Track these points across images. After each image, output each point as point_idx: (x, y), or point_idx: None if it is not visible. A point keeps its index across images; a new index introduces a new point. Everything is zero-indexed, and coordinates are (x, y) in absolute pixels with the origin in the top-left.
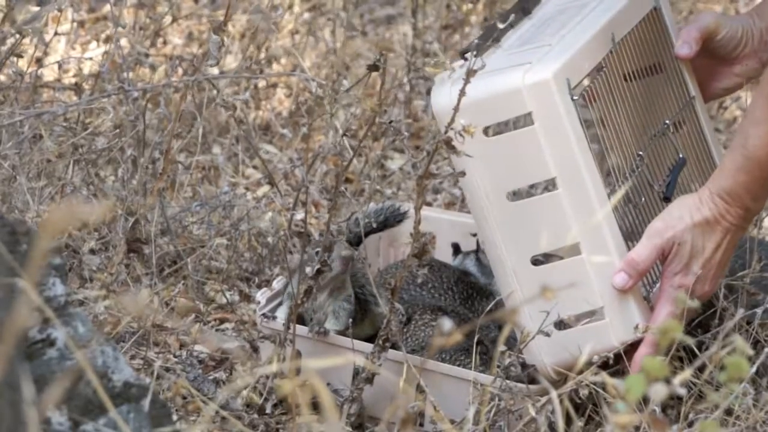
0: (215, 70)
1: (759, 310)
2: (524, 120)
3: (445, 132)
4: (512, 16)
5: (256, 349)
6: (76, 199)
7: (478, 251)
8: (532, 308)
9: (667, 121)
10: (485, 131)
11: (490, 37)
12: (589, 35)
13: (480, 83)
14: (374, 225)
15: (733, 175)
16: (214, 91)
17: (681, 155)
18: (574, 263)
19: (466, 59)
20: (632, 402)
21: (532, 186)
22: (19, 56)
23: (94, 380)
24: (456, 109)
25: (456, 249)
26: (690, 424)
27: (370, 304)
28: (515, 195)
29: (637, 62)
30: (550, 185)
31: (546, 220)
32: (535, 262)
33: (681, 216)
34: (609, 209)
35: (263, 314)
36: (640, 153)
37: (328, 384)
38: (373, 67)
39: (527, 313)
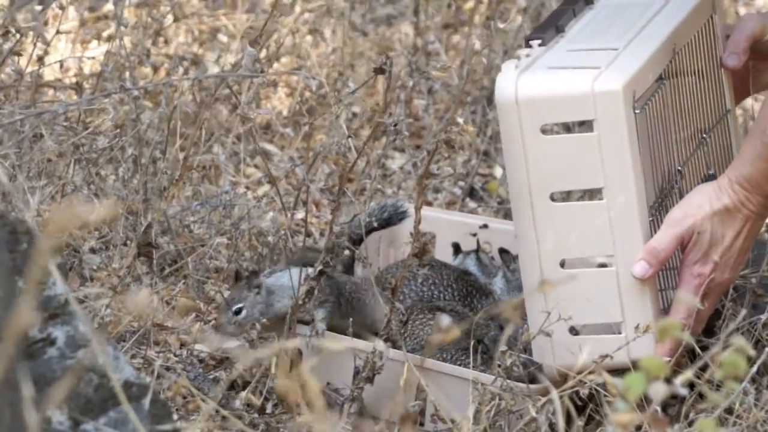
0: (215, 68)
1: (763, 316)
2: (583, 125)
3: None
4: (576, 5)
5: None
6: (77, 198)
7: (478, 251)
8: (552, 309)
9: (705, 136)
10: (543, 129)
11: (554, 24)
12: (655, 45)
13: (546, 79)
14: (376, 224)
15: (752, 162)
16: (215, 90)
17: (711, 171)
18: (602, 274)
19: (531, 46)
20: (633, 401)
21: (569, 191)
22: (19, 54)
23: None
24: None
25: (456, 248)
26: (690, 423)
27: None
28: (558, 196)
29: (687, 72)
30: (587, 193)
31: (584, 226)
32: (564, 265)
33: (700, 204)
34: (647, 227)
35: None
36: (680, 168)
37: (329, 383)
38: (379, 71)
39: (545, 311)
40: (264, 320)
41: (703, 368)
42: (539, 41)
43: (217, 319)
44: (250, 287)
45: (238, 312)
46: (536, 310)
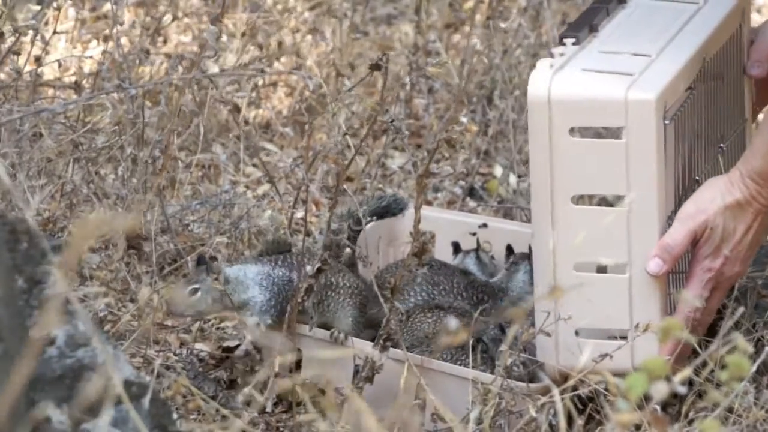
0: (215, 67)
1: None
2: (611, 131)
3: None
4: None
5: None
6: (95, 209)
7: (478, 250)
8: (560, 310)
9: (722, 146)
10: (571, 131)
11: (588, 23)
12: (687, 55)
13: (580, 81)
14: (373, 215)
15: (764, 156)
16: (212, 89)
17: None
18: (615, 281)
19: (564, 44)
20: (633, 400)
21: (581, 196)
22: (17, 53)
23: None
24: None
25: (456, 248)
26: (690, 422)
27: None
28: (580, 199)
29: (712, 80)
30: (606, 198)
31: (602, 231)
32: (578, 268)
33: (713, 198)
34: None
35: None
36: (697, 178)
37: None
38: (375, 67)
39: (552, 312)
40: (218, 307)
41: (703, 367)
42: (573, 40)
43: (172, 294)
44: (208, 272)
45: (193, 292)
46: (541, 309)
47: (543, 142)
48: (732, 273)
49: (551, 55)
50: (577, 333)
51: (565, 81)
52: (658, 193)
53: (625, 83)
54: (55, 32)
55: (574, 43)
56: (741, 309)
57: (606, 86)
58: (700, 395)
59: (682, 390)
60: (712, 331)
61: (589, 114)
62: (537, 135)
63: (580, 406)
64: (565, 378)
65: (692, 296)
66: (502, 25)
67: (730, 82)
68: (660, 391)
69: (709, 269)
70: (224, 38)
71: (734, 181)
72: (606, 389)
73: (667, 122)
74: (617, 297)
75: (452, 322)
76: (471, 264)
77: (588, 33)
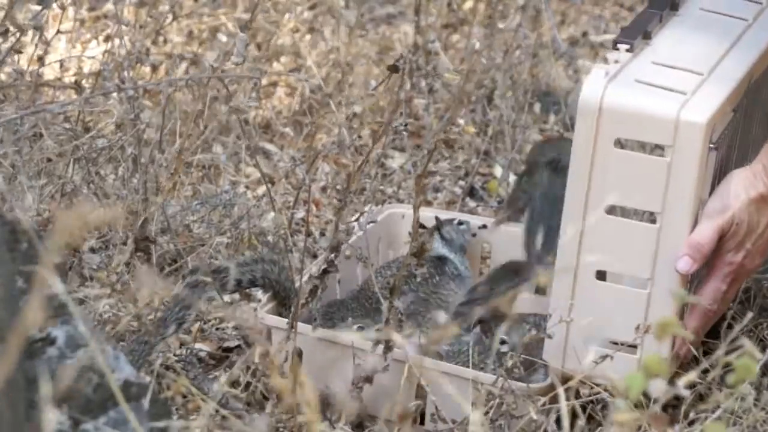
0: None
1: None
2: (654, 147)
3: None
4: (664, 12)
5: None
6: (83, 202)
7: (439, 228)
8: (577, 320)
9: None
10: (616, 141)
11: (642, 29)
12: (737, 77)
13: (633, 93)
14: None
15: None
16: (217, 90)
17: None
18: (634, 294)
19: (618, 49)
20: (633, 400)
21: (613, 207)
22: (19, 52)
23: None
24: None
25: (436, 226)
26: (691, 423)
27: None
28: (612, 210)
29: (752, 101)
30: (637, 212)
31: (631, 244)
32: (600, 277)
33: (737, 193)
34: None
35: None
36: None
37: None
38: (393, 68)
39: (565, 318)
40: None
41: (705, 370)
42: (627, 46)
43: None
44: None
45: None
46: (556, 311)
47: (586, 148)
48: (752, 266)
49: (605, 61)
50: (585, 340)
51: (618, 91)
52: (692, 215)
53: (677, 102)
54: (59, 32)
55: (627, 50)
56: (750, 314)
57: (658, 103)
58: (701, 397)
59: (685, 393)
60: (714, 332)
61: (638, 128)
62: (582, 141)
63: (580, 407)
64: (567, 380)
65: (712, 289)
66: (500, 26)
67: (763, 102)
68: (659, 389)
69: (731, 263)
70: (224, 38)
71: (757, 174)
72: (606, 390)
73: (712, 146)
74: (633, 311)
75: (441, 316)
76: (439, 246)
77: (642, 40)
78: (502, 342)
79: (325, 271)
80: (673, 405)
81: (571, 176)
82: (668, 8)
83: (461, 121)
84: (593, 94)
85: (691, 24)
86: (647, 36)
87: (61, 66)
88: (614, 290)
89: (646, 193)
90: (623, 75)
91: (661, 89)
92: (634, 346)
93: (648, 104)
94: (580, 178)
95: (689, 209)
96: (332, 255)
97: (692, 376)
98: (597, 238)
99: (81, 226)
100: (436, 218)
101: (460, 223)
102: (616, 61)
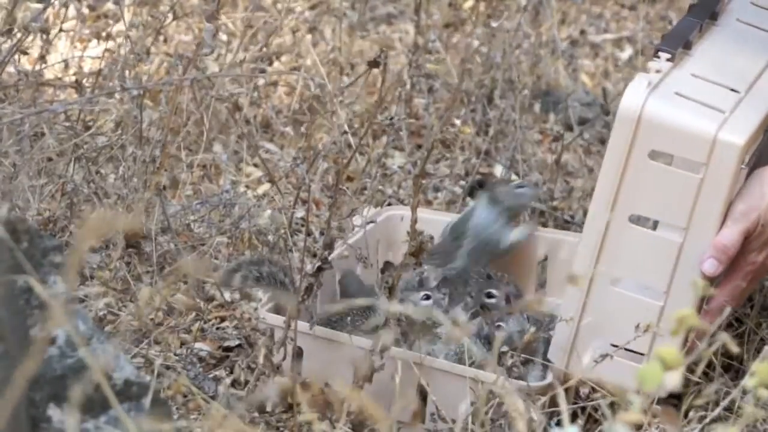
0: (215, 66)
1: None
2: (687, 163)
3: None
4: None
5: (252, 346)
6: (109, 208)
7: (484, 186)
8: (586, 324)
9: None
10: (651, 153)
11: (684, 39)
12: None
13: (673, 107)
14: None
15: None
16: (213, 88)
17: None
18: (648, 305)
19: (659, 57)
20: (646, 393)
21: (639, 218)
22: (25, 53)
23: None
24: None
25: (473, 188)
26: (690, 422)
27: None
28: (638, 220)
29: None
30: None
31: (651, 255)
32: (614, 283)
33: (762, 194)
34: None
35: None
36: None
37: (327, 384)
38: (373, 64)
39: (576, 323)
40: None
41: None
42: (668, 56)
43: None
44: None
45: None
46: (568, 314)
47: (620, 157)
48: None
49: (647, 70)
50: (594, 346)
51: (658, 103)
52: (716, 232)
53: (716, 121)
54: (61, 30)
55: (669, 59)
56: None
57: (698, 120)
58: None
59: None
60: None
61: (675, 142)
62: (616, 149)
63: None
64: (566, 379)
65: (732, 287)
66: (495, 24)
67: None
68: (673, 381)
69: (753, 263)
70: (224, 37)
71: None
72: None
73: (743, 167)
74: (644, 321)
75: (460, 313)
76: (483, 213)
77: (683, 50)
78: (497, 326)
79: (319, 269)
80: (668, 401)
81: (600, 182)
82: (708, 18)
83: (457, 122)
84: (634, 104)
85: (730, 36)
86: (688, 46)
87: (66, 66)
88: (628, 299)
89: (674, 208)
90: (663, 86)
91: (701, 105)
92: (642, 354)
93: (687, 120)
94: (609, 185)
95: (714, 226)
96: (326, 252)
97: (714, 388)
98: (617, 244)
99: (105, 228)
100: (475, 181)
101: (520, 186)
102: (658, 71)
